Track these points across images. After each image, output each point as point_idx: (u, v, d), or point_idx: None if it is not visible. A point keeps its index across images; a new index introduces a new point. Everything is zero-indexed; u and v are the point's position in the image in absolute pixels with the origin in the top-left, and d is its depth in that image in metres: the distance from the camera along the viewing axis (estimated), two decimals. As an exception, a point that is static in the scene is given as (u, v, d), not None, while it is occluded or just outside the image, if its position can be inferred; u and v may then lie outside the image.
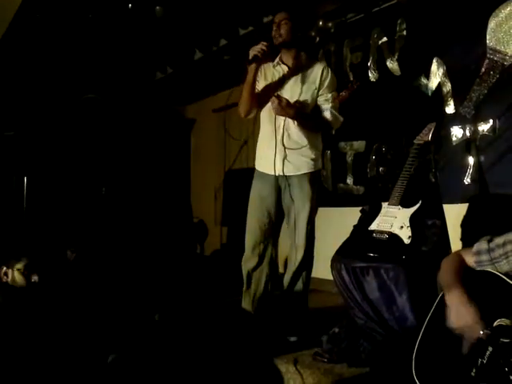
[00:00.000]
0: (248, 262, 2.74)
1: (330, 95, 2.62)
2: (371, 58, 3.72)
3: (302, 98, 2.59)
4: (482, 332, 1.31)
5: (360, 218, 2.68)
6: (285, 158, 2.60)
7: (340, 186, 3.97)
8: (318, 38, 4.04)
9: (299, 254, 2.64)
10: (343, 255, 2.48)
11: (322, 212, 4.02)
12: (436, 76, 3.26)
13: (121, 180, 5.52)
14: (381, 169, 3.62)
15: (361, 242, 2.48)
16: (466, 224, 2.89)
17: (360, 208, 2.79)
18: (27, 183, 4.99)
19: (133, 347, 2.60)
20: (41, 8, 4.19)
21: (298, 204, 2.62)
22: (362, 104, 3.75)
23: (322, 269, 2.81)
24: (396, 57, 3.55)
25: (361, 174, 3.79)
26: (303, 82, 2.63)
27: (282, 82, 2.66)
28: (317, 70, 2.64)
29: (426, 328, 1.65)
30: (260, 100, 2.67)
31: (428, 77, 3.31)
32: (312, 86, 2.62)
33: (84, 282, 4.08)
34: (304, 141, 2.61)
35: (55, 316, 3.03)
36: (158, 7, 4.00)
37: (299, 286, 2.68)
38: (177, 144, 6.15)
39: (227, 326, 2.79)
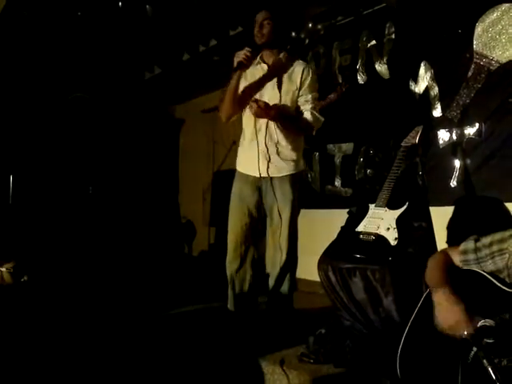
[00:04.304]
0: (231, 263, 2.73)
1: (310, 96, 2.60)
2: (360, 61, 3.74)
3: (281, 99, 2.56)
4: (466, 332, 1.32)
5: (347, 219, 2.69)
6: (267, 159, 2.60)
7: (328, 187, 3.98)
8: (307, 40, 4.06)
9: (282, 256, 2.63)
10: (330, 256, 2.49)
11: (310, 213, 4.06)
12: (424, 79, 3.29)
13: (108, 179, 5.49)
14: (368, 171, 3.64)
15: (348, 243, 2.49)
16: (452, 226, 2.92)
17: (348, 210, 2.81)
18: (13, 182, 4.94)
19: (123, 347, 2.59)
20: (28, 5, 4.15)
21: (280, 206, 2.60)
22: (351, 106, 3.76)
23: (310, 270, 2.82)
24: (385, 60, 3.57)
25: (349, 176, 3.80)
26: (283, 81, 2.61)
27: (262, 81, 2.65)
28: (297, 70, 2.61)
29: (411, 328, 1.66)
30: (241, 101, 2.66)
31: (416, 80, 3.33)
32: (292, 86, 2.60)
33: (72, 280, 4.07)
34: (286, 142, 2.61)
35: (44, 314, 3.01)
36: (148, 6, 3.98)
37: (284, 287, 2.68)
38: (165, 144, 6.13)
39: (213, 326, 2.79)
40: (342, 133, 3.84)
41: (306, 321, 2.78)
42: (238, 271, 2.72)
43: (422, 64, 3.29)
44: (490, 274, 1.48)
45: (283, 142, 2.61)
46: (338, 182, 3.91)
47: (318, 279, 2.58)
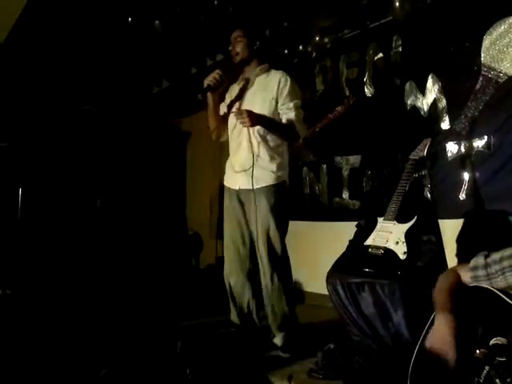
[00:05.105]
0: (228, 276, 2.76)
1: (291, 104, 2.57)
2: (367, 74, 3.74)
3: (259, 110, 2.55)
4: (478, 351, 1.30)
5: (355, 232, 2.68)
6: (245, 171, 2.59)
7: (336, 200, 3.97)
8: (314, 53, 4.07)
9: (265, 271, 2.59)
10: (338, 270, 2.47)
11: (318, 226, 4.05)
12: (431, 92, 3.28)
13: (116, 192, 5.50)
14: (376, 183, 3.62)
15: (356, 257, 2.47)
16: (461, 239, 2.89)
17: (356, 223, 2.79)
18: (22, 195, 4.97)
19: (124, 362, 2.57)
20: (40, 20, 4.21)
21: (257, 218, 2.58)
22: (358, 119, 3.76)
23: (317, 283, 2.80)
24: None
25: (356, 189, 3.79)
26: (259, 92, 2.62)
27: (241, 95, 2.68)
28: (274, 80, 2.61)
29: (422, 344, 1.64)
30: (225, 118, 2.71)
31: (423, 93, 3.33)
32: (268, 95, 2.59)
33: (79, 291, 4.07)
34: (265, 154, 2.59)
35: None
36: (157, 21, 4.02)
37: (281, 303, 2.61)
38: (172, 156, 6.15)
39: (220, 340, 2.78)
40: (350, 145, 3.83)
41: (314, 335, 2.76)
42: (236, 284, 2.73)
43: (430, 76, 3.29)
44: (501, 290, 1.46)
45: (263, 154, 2.59)
46: (345, 195, 3.89)
47: (325, 292, 2.56)
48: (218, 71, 2.56)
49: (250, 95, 2.65)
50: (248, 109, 2.54)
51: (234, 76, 2.79)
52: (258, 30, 2.80)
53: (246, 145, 2.60)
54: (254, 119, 2.44)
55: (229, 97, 2.78)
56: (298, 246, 3.98)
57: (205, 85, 2.55)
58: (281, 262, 2.61)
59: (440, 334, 1.50)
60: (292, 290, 2.69)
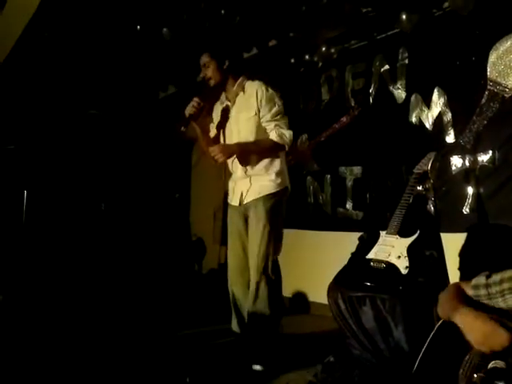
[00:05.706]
0: (232, 285, 2.79)
1: (269, 115, 2.59)
2: (373, 85, 3.75)
3: (245, 130, 2.60)
4: (475, 375, 1.30)
5: (358, 245, 2.68)
6: (245, 187, 2.66)
7: (339, 210, 3.96)
8: (320, 64, 4.08)
9: (253, 278, 2.60)
10: (340, 284, 2.47)
11: (322, 236, 4.04)
12: (437, 105, 3.28)
13: (120, 196, 5.53)
14: (380, 195, 3.62)
15: (358, 270, 2.48)
16: (464, 254, 2.89)
17: (359, 233, 2.79)
18: (27, 197, 5.00)
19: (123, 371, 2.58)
20: (48, 26, 4.25)
21: (252, 226, 2.63)
22: (363, 130, 3.76)
23: (321, 292, 2.80)
24: (398, 84, 3.57)
25: (360, 200, 3.79)
26: (242, 113, 2.64)
27: (226, 119, 2.71)
28: (252, 94, 2.62)
29: (422, 360, 1.63)
30: (216, 140, 2.74)
31: (429, 106, 3.33)
32: (251, 111, 2.61)
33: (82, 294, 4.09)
34: (260, 167, 2.63)
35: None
36: (165, 29, 4.05)
37: (264, 309, 2.59)
38: (177, 161, 6.16)
39: (219, 349, 2.79)
40: (354, 156, 3.83)
41: (316, 346, 2.77)
42: (237, 294, 2.77)
43: (436, 90, 3.29)
44: (502, 311, 1.45)
45: (257, 168, 2.64)
46: (349, 205, 3.89)
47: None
48: (195, 99, 2.59)
49: (233, 117, 2.69)
50: (235, 130, 2.63)
51: (216, 95, 2.81)
52: (224, 48, 2.77)
53: (239, 163, 2.65)
54: (227, 153, 2.55)
55: (216, 117, 2.80)
56: (302, 255, 3.99)
57: (186, 115, 2.58)
58: (270, 269, 2.61)
59: (471, 327, 1.39)
60: (280, 299, 2.70)
